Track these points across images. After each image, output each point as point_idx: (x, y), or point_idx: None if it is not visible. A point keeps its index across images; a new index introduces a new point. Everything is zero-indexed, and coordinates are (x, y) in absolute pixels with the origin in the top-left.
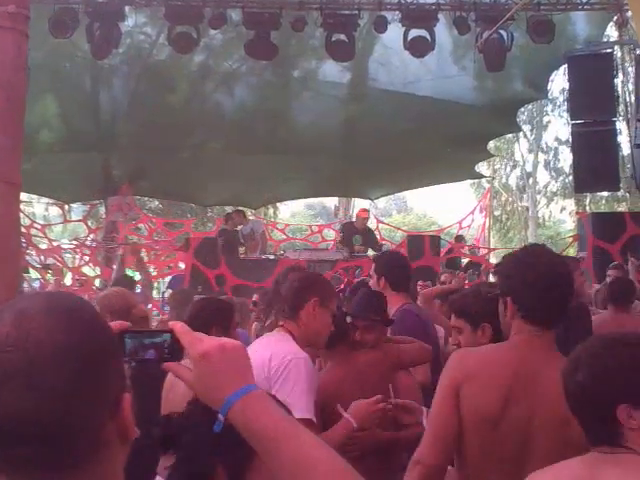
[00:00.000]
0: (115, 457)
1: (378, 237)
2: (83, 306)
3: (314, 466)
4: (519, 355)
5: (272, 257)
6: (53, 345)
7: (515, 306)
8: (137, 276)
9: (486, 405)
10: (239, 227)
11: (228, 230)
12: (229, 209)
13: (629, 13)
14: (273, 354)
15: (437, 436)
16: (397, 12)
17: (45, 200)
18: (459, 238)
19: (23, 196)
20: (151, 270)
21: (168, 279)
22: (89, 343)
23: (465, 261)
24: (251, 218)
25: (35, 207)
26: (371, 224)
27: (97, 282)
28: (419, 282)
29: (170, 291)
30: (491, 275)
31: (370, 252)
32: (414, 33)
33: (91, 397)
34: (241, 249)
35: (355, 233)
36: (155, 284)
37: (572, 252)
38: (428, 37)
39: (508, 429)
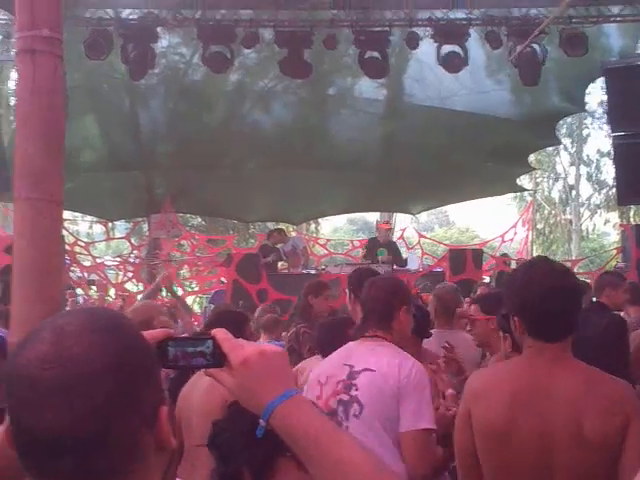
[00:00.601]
0: (152, 467)
1: (404, 250)
2: (122, 322)
3: (357, 470)
4: (525, 369)
5: (313, 272)
6: (91, 363)
7: (521, 323)
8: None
9: (493, 420)
10: (279, 245)
11: (269, 246)
12: (271, 225)
13: None
14: (401, 364)
15: (464, 466)
16: (428, 28)
17: (89, 218)
18: (504, 256)
19: (68, 214)
20: (193, 286)
21: (211, 294)
22: (127, 361)
23: None
24: (292, 234)
25: (79, 225)
26: (413, 238)
27: (139, 297)
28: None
29: (212, 306)
30: None
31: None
32: (447, 49)
33: (128, 413)
34: (280, 264)
35: (379, 246)
36: (196, 299)
37: (613, 264)
38: (461, 52)
39: (520, 444)
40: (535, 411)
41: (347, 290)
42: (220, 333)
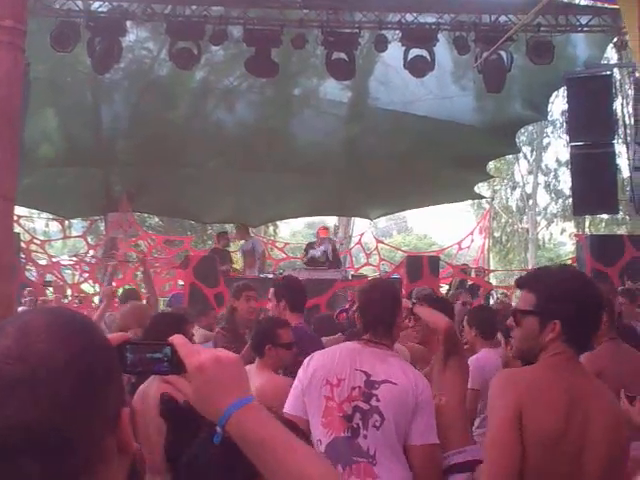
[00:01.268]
0: (114, 470)
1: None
2: (85, 322)
3: (310, 478)
4: (562, 376)
5: (271, 276)
6: (54, 358)
7: (563, 329)
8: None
9: (549, 427)
10: (241, 242)
11: (219, 249)
12: (229, 227)
13: (628, 36)
14: (416, 380)
15: (502, 466)
16: (397, 31)
17: (45, 215)
18: (464, 266)
19: (24, 211)
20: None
21: (168, 297)
22: (89, 357)
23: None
24: (252, 236)
25: (35, 222)
26: (371, 244)
27: (96, 299)
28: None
29: (169, 309)
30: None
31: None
32: (414, 53)
33: (91, 410)
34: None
35: (317, 246)
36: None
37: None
38: (428, 57)
39: (565, 449)
40: (583, 419)
41: (273, 297)
42: (178, 339)
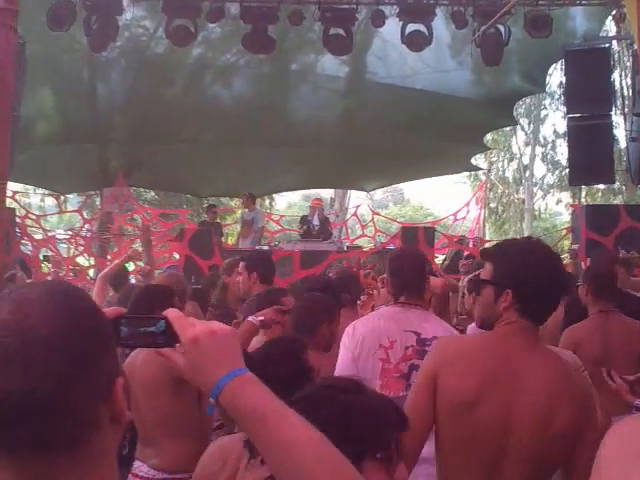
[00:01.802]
0: (107, 439)
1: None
2: (78, 293)
3: (302, 449)
4: (504, 344)
5: (266, 248)
6: (49, 329)
7: (514, 299)
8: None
9: (463, 389)
10: (245, 210)
11: (208, 222)
12: (225, 200)
13: (626, 9)
14: (452, 334)
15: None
16: (395, 6)
17: (41, 191)
18: (462, 238)
19: (19, 187)
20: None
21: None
22: (84, 328)
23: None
24: (257, 208)
25: (31, 198)
26: (367, 215)
27: (91, 272)
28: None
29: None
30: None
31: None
32: (411, 27)
33: (83, 379)
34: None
35: (311, 216)
36: None
37: (566, 244)
38: (425, 31)
39: (483, 420)
40: (506, 389)
41: (244, 270)
42: (172, 313)
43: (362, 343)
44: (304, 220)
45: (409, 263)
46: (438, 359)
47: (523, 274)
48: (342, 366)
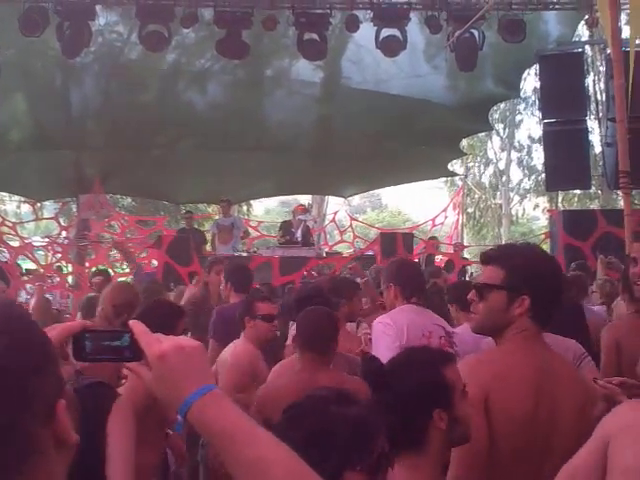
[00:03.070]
0: (52, 464)
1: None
2: (12, 315)
3: (271, 467)
4: (535, 354)
5: (245, 254)
6: None
7: (531, 305)
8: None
9: (518, 407)
10: (219, 216)
11: (187, 229)
12: (202, 207)
13: (599, 13)
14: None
15: (472, 453)
16: (369, 11)
17: (17, 198)
18: (432, 239)
19: None
20: (124, 267)
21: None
22: (20, 349)
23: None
24: (233, 214)
25: (7, 205)
26: (345, 221)
27: (69, 279)
28: None
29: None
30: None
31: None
32: (386, 32)
33: (19, 404)
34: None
35: (292, 228)
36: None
37: (544, 249)
38: (400, 36)
39: (536, 430)
40: (553, 396)
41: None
42: (137, 326)
43: (407, 331)
44: (287, 230)
45: (418, 271)
46: (484, 379)
47: (541, 280)
48: (392, 352)
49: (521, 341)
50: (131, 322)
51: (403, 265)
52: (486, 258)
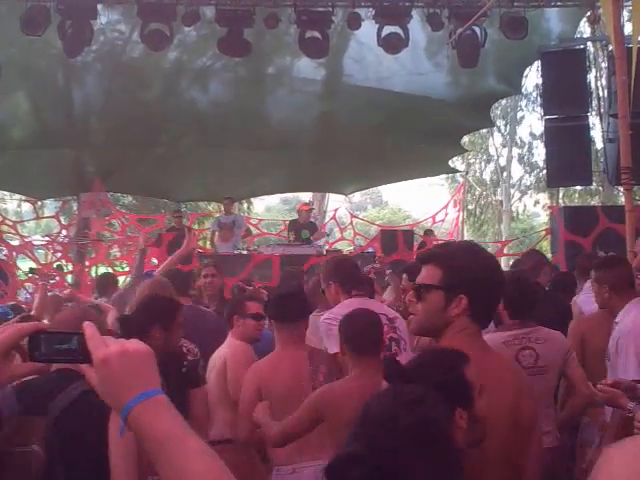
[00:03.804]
0: None
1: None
2: None
3: (197, 477)
4: (478, 354)
5: (245, 252)
6: None
7: (469, 304)
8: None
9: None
10: (222, 214)
11: (176, 227)
12: (203, 205)
13: (601, 10)
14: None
15: None
16: (371, 9)
17: (17, 197)
18: (428, 232)
19: None
20: (124, 266)
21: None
22: None
23: None
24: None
25: (8, 204)
26: (345, 218)
27: (69, 278)
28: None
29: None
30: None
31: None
32: (388, 30)
33: None
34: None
35: (301, 228)
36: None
37: (545, 245)
38: (402, 34)
39: (491, 429)
40: (488, 392)
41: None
42: (88, 329)
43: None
44: (297, 231)
45: (354, 265)
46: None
47: (479, 279)
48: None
49: (460, 340)
50: (84, 324)
51: (338, 262)
52: (424, 258)
